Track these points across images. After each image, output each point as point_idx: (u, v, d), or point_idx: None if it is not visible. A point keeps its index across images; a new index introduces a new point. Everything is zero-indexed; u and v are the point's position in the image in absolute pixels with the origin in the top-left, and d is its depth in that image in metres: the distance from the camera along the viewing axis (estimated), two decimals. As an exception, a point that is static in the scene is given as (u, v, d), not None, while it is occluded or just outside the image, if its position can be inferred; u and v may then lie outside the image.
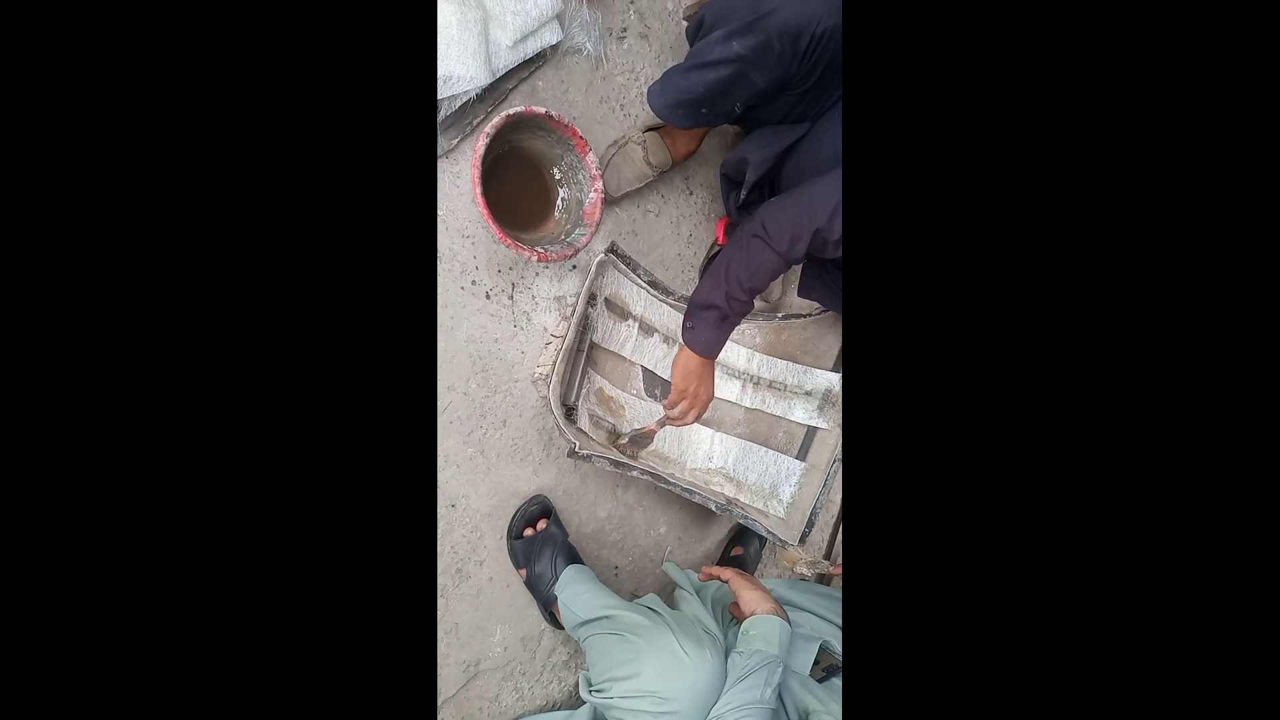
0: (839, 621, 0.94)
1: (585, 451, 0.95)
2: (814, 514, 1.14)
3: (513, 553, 1.03)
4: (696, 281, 1.17)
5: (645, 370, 1.13)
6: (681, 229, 1.15)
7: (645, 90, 1.06)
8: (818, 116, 0.91)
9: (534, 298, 1.01)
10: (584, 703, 0.89)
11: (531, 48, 0.90)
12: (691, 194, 1.15)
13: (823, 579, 1.28)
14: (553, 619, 1.04)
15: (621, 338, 1.09)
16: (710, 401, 0.95)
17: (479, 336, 0.98)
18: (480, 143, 0.81)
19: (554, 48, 0.94)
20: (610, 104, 1.04)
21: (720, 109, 0.87)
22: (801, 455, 1.20)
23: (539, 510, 1.04)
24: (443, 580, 0.99)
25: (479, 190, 0.81)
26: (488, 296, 0.98)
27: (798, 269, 1.16)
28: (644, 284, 1.08)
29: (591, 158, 0.91)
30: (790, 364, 1.21)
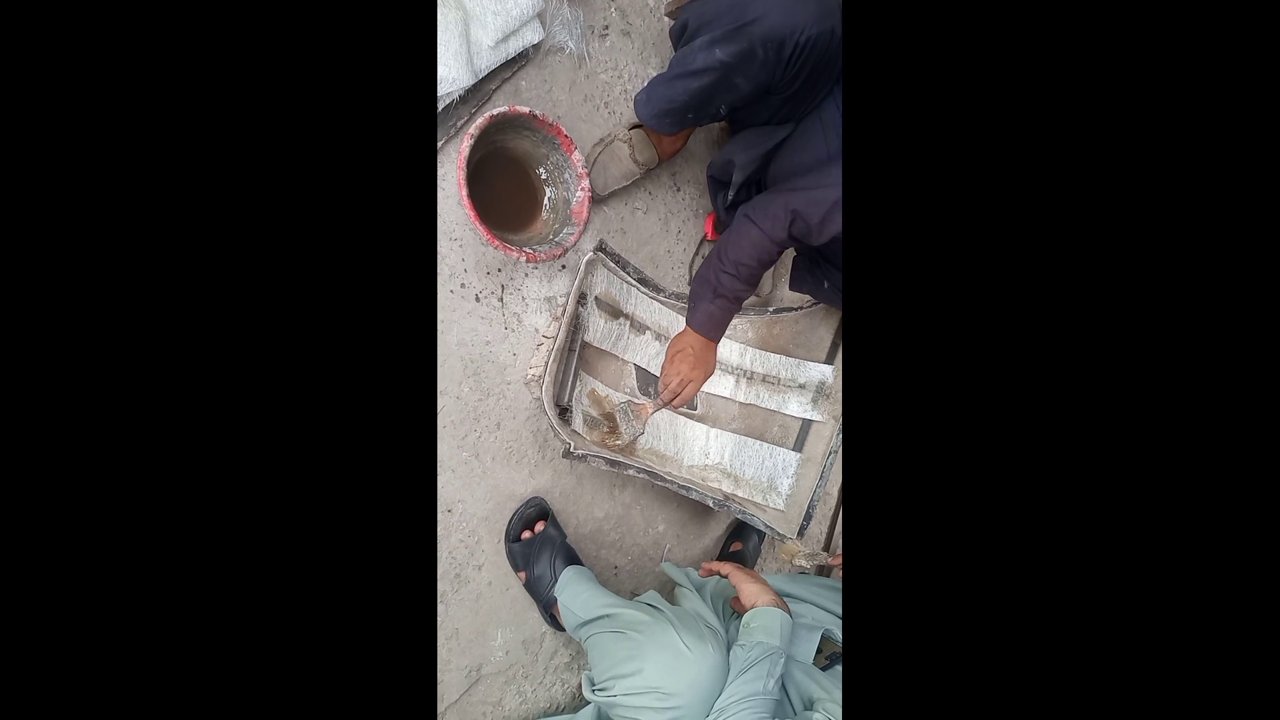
0: (840, 611, 0.94)
1: (581, 451, 0.94)
2: (811, 506, 1.15)
3: (511, 556, 1.03)
4: (687, 278, 1.18)
5: (638, 368, 1.13)
6: (670, 225, 1.15)
7: (629, 87, 1.06)
8: (802, 118, 0.92)
9: (524, 299, 1.01)
10: (587, 704, 0.88)
11: (513, 47, 0.90)
12: (679, 190, 1.15)
13: (822, 570, 1.28)
14: (553, 621, 1.04)
15: (614, 336, 1.09)
16: (709, 376, 0.98)
17: (470, 340, 0.97)
18: (465, 144, 0.81)
19: (536, 47, 0.94)
20: (594, 102, 1.04)
21: (706, 112, 0.89)
22: (797, 448, 1.20)
23: (536, 512, 1.04)
24: (442, 586, 0.99)
25: (465, 192, 0.81)
26: (478, 299, 0.97)
27: (789, 263, 1.17)
28: (634, 281, 1.08)
29: (577, 156, 0.91)
30: (783, 358, 1.21)
